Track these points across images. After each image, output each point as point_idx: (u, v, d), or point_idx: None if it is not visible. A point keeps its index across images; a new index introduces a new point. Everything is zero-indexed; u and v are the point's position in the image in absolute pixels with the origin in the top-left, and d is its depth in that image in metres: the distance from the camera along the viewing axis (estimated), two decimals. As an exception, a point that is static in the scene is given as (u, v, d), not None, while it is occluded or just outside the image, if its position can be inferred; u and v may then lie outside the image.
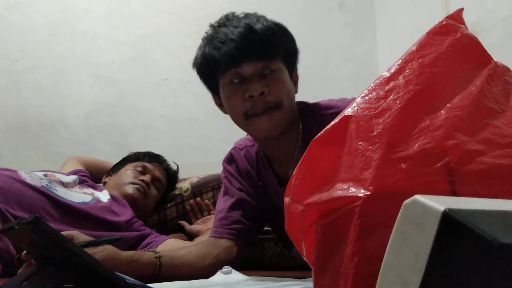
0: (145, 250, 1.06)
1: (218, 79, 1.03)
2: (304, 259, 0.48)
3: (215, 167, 1.87)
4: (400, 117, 0.42)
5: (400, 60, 0.46)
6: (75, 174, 1.53)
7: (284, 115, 0.98)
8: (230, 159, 1.24)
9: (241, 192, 1.14)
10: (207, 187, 1.75)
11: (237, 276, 0.91)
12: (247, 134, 1.18)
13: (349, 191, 0.39)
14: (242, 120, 1.01)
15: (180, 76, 2.16)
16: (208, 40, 1.03)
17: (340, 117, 0.45)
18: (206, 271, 0.95)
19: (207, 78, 1.06)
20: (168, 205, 1.71)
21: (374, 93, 0.45)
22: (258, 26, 0.98)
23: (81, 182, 1.49)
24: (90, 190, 1.46)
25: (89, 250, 0.86)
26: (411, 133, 0.41)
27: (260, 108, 0.97)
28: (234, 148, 1.23)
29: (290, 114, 1.00)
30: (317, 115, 1.04)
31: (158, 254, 0.96)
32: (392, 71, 0.46)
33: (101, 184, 1.60)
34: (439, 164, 0.39)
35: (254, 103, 0.97)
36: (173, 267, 0.96)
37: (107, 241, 0.92)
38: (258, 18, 1.02)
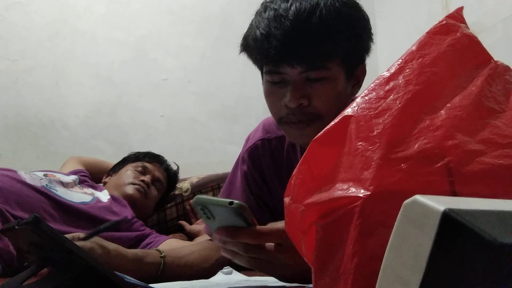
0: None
1: (261, 69, 0.88)
2: (304, 259, 0.48)
3: (215, 167, 1.87)
4: (400, 117, 0.41)
5: (400, 60, 0.46)
6: (75, 174, 1.53)
7: (324, 126, 0.82)
8: (254, 153, 1.04)
9: (253, 198, 1.02)
10: (207, 187, 1.75)
11: (237, 276, 0.91)
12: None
13: (349, 191, 0.39)
14: (276, 122, 0.90)
15: (180, 76, 2.16)
16: (256, 21, 0.84)
17: (340, 117, 0.45)
18: (208, 272, 0.95)
19: (252, 61, 0.90)
20: (168, 205, 1.71)
21: (374, 93, 0.45)
22: (313, 19, 0.77)
23: (81, 182, 1.49)
24: (90, 190, 1.46)
25: (96, 240, 0.86)
26: (411, 133, 0.41)
27: (296, 118, 0.84)
28: (261, 138, 1.04)
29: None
30: None
31: (163, 254, 0.95)
32: (392, 71, 0.46)
33: (101, 184, 1.61)
34: (439, 164, 0.39)
35: (290, 112, 0.84)
36: (176, 267, 0.94)
37: (111, 226, 0.91)
38: (318, 2, 0.79)
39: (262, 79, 0.90)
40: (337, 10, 0.79)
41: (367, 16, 0.87)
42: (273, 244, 0.68)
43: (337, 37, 0.80)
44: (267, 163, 1.03)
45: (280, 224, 0.66)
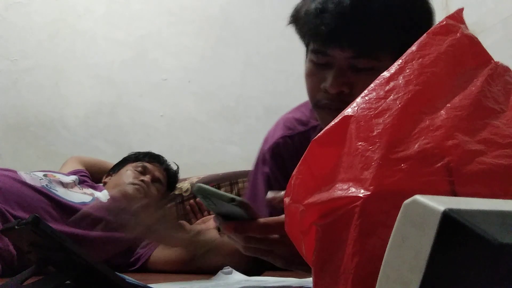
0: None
1: (307, 46, 0.83)
2: (304, 259, 0.48)
3: (215, 167, 1.87)
4: (400, 117, 0.41)
5: (400, 60, 0.46)
6: (75, 174, 1.53)
7: None
8: (276, 152, 0.98)
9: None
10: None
11: (237, 276, 0.91)
12: (298, 109, 0.99)
13: (349, 191, 0.39)
14: (311, 105, 0.85)
15: (180, 76, 2.16)
16: None
17: (340, 117, 0.45)
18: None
19: (300, 36, 0.84)
20: (168, 205, 1.71)
21: (374, 93, 0.45)
22: (375, 3, 0.72)
23: (81, 182, 1.49)
24: (90, 190, 1.46)
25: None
26: (411, 133, 0.41)
27: (334, 105, 0.78)
28: (282, 136, 0.98)
29: None
30: None
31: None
32: (392, 71, 0.46)
33: (101, 184, 1.61)
34: (439, 164, 0.39)
35: (328, 97, 0.78)
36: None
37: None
38: None
39: (306, 56, 0.84)
40: (402, 0, 0.75)
41: (432, 10, 0.80)
42: (274, 235, 0.69)
43: (396, 27, 0.74)
44: (291, 161, 0.97)
45: (283, 217, 0.67)
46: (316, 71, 0.81)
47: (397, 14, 0.74)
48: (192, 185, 1.74)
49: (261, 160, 1.02)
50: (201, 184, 0.66)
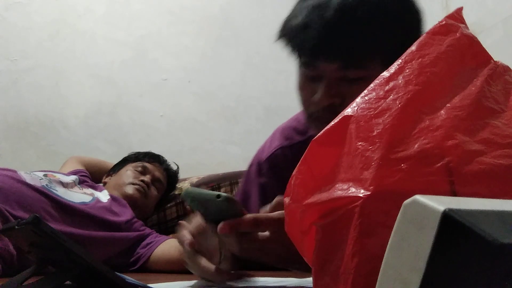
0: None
1: (297, 60, 0.83)
2: (304, 259, 0.48)
3: (215, 167, 1.87)
4: (400, 117, 0.41)
5: (400, 60, 0.46)
6: (75, 174, 1.53)
7: None
8: (274, 163, 0.96)
9: None
10: (207, 187, 1.75)
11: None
12: (296, 118, 0.98)
13: (349, 191, 0.39)
14: (305, 118, 0.84)
15: (180, 76, 2.16)
16: (298, 8, 0.78)
17: (340, 117, 0.45)
18: None
19: (288, 51, 0.83)
20: (168, 205, 1.71)
21: (374, 93, 0.45)
22: (359, 13, 0.71)
23: (81, 182, 1.49)
24: (90, 190, 1.46)
25: None
26: (411, 133, 0.41)
27: (326, 117, 0.74)
28: (280, 147, 0.97)
29: None
30: None
31: None
32: (391, 71, 0.46)
33: (101, 184, 1.61)
34: (439, 164, 0.39)
35: (320, 109, 0.78)
36: None
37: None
38: None
39: (297, 70, 0.84)
40: (386, 6, 0.74)
41: (420, 16, 0.79)
42: (265, 234, 0.69)
43: (383, 34, 0.73)
44: (289, 172, 0.98)
45: (276, 214, 0.67)
46: (307, 84, 0.81)
47: (382, 21, 0.73)
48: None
49: (257, 170, 1.00)
50: (189, 188, 0.67)
